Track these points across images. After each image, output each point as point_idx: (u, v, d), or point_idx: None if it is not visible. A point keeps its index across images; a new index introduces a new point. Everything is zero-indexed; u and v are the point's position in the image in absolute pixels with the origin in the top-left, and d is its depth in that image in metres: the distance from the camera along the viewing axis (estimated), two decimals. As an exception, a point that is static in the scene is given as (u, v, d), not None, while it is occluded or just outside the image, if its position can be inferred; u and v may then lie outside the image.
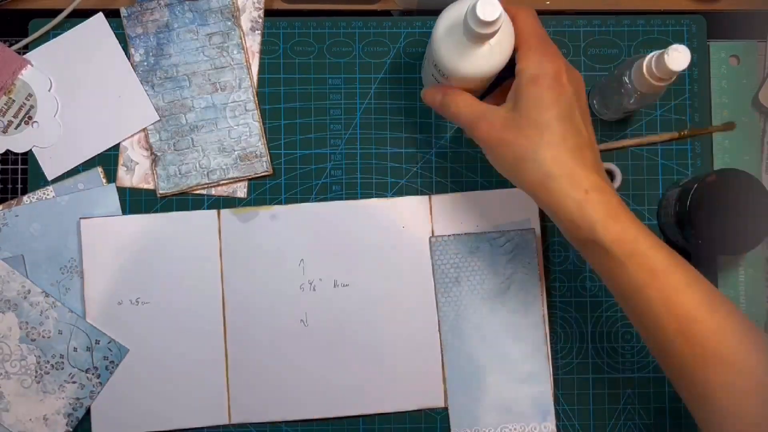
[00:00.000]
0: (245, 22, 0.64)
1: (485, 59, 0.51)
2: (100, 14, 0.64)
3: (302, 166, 0.64)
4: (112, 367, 0.62)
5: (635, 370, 0.64)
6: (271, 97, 0.65)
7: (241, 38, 0.64)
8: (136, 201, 0.63)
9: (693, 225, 0.58)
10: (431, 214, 0.64)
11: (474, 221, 0.63)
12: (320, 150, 0.64)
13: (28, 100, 0.63)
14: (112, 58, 0.64)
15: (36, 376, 0.62)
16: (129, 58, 0.64)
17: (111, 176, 0.64)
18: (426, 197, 0.64)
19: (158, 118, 0.64)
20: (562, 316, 0.64)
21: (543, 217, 0.63)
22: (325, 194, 0.64)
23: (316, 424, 0.63)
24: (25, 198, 0.63)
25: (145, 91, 0.64)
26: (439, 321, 0.63)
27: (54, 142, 0.63)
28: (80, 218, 0.63)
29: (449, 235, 0.63)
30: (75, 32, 0.64)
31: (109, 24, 0.64)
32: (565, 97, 0.49)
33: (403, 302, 0.63)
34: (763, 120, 0.65)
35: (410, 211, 0.63)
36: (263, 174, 0.64)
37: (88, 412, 0.62)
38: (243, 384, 0.62)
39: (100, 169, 0.64)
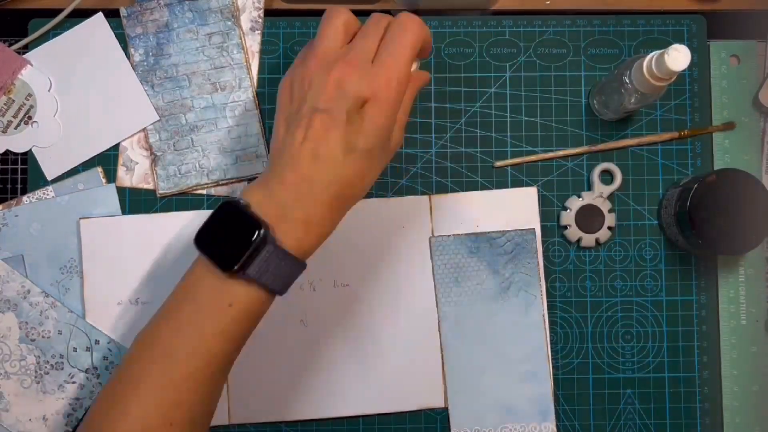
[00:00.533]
0: (245, 22, 0.64)
1: None
2: (100, 14, 0.64)
3: (302, 166, 0.64)
4: (112, 367, 0.62)
5: (635, 370, 0.64)
6: (271, 97, 0.64)
7: (241, 38, 0.64)
8: (135, 201, 0.63)
9: (693, 225, 0.58)
10: (431, 214, 0.64)
11: (474, 221, 0.63)
12: (320, 150, 0.64)
13: (28, 100, 0.63)
14: (111, 58, 0.64)
15: (36, 377, 0.62)
16: (129, 58, 0.64)
17: (111, 176, 0.64)
18: (426, 197, 0.64)
19: (158, 118, 0.63)
20: (562, 316, 0.64)
21: (543, 217, 0.63)
22: (325, 194, 0.64)
23: (316, 424, 0.63)
24: (24, 198, 0.63)
25: (145, 91, 0.64)
26: (439, 321, 0.63)
27: (54, 142, 0.63)
28: (80, 218, 0.62)
29: (449, 235, 0.63)
30: (75, 32, 0.64)
31: (109, 24, 0.64)
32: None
33: (403, 302, 0.63)
34: (763, 120, 0.65)
35: (410, 211, 0.63)
36: (263, 174, 0.64)
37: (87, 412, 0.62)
38: (243, 384, 0.62)
39: (99, 169, 0.64)
